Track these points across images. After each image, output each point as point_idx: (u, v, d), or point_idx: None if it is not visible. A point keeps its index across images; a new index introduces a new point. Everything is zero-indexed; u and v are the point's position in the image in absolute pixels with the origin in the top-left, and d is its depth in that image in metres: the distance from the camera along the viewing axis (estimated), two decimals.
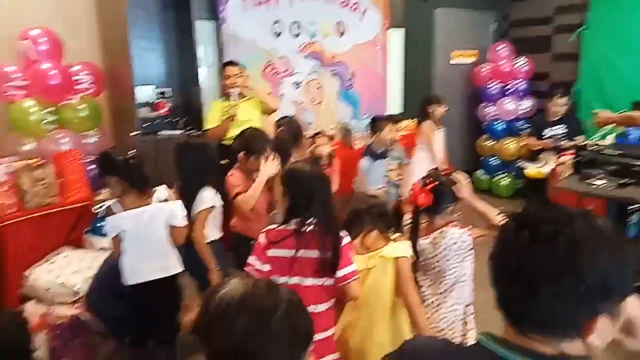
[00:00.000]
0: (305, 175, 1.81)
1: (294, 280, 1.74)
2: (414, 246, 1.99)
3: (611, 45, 5.09)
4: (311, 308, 1.72)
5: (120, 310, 2.36)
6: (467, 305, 2.05)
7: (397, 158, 3.79)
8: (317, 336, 1.76)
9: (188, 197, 2.40)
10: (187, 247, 2.43)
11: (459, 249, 1.93)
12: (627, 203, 3.26)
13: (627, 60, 4.84)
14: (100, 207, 2.45)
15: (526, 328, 0.81)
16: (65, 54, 3.52)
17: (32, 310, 2.52)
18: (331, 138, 3.92)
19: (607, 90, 5.07)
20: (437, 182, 1.98)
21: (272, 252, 1.76)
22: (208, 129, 3.66)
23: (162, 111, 4.11)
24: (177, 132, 4.00)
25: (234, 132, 3.20)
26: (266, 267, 1.76)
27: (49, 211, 2.87)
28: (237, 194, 2.44)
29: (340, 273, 1.74)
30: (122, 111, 3.92)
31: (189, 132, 3.98)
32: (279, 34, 4.74)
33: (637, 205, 3.11)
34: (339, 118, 5.14)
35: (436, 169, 2.46)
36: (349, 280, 1.75)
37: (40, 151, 3.18)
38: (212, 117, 3.68)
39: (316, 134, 3.85)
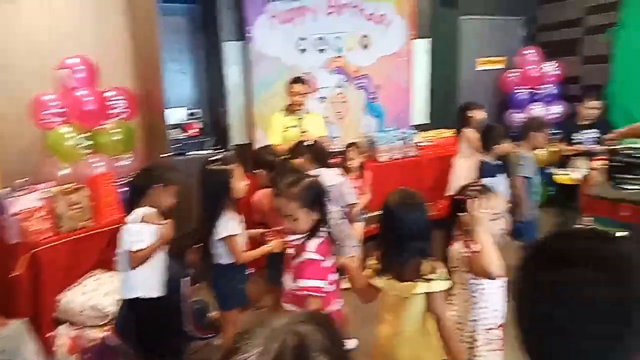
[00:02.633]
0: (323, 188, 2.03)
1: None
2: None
3: None
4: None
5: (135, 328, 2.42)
6: (489, 329, 1.97)
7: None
8: None
9: (208, 221, 2.44)
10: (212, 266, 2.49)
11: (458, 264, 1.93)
12: None
13: None
14: None
15: None
16: (100, 79, 3.67)
17: (64, 334, 2.66)
18: (362, 151, 3.97)
19: None
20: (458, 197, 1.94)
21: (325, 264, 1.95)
22: (273, 145, 3.72)
23: (191, 132, 4.25)
24: (205, 152, 4.13)
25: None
26: (332, 287, 1.98)
27: (82, 234, 2.99)
28: None
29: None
30: (154, 133, 4.06)
31: (215, 152, 4.11)
32: (304, 51, 4.82)
33: None
34: (363, 131, 5.17)
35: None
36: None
37: (76, 175, 3.32)
38: (273, 131, 3.81)
39: (349, 145, 3.90)
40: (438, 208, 4.70)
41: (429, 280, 1.72)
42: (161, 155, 3.74)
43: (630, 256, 0.70)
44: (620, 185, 3.33)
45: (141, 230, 2.32)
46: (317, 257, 1.90)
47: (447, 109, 5.71)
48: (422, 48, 5.46)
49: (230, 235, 2.40)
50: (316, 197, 1.97)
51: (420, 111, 5.58)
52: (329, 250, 1.96)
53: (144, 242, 2.30)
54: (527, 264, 0.78)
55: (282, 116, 3.87)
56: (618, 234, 2.90)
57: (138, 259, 2.31)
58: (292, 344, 0.69)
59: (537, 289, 0.74)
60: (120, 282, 2.42)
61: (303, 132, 3.68)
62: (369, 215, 3.95)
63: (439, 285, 1.74)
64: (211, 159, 2.51)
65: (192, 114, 4.49)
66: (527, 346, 0.78)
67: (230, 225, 2.40)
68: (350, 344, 2.84)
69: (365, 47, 5.11)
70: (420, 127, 5.36)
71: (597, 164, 4.17)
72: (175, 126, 4.36)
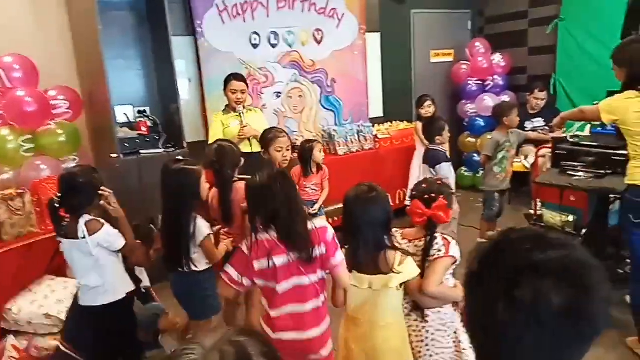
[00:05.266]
0: (273, 189, 1.78)
1: (292, 282, 1.76)
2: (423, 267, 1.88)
3: (586, 36, 5.13)
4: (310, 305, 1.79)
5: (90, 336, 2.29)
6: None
7: None
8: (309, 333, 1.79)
9: (176, 224, 2.31)
10: (179, 276, 2.40)
11: None
12: (608, 193, 3.27)
13: (602, 49, 4.78)
14: None
15: None
16: (40, 79, 3.48)
17: (13, 345, 2.50)
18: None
19: (584, 81, 5.11)
20: (439, 195, 1.89)
21: (260, 264, 1.76)
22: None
23: (142, 130, 4.09)
24: (159, 150, 3.99)
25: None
26: (247, 282, 1.78)
27: (28, 241, 2.82)
28: None
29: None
30: (101, 133, 3.88)
31: (168, 150, 3.98)
32: (256, 45, 4.74)
33: (617, 195, 3.12)
34: (321, 125, 5.16)
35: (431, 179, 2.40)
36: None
37: (19, 179, 3.14)
38: (214, 131, 3.70)
39: (312, 141, 3.84)
40: (398, 198, 4.79)
41: (399, 272, 1.75)
42: (111, 155, 3.58)
43: (587, 262, 0.71)
44: (567, 172, 3.45)
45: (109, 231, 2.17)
46: (244, 249, 1.79)
47: (402, 102, 5.79)
48: (373, 42, 5.49)
49: (205, 238, 2.32)
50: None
51: (376, 104, 5.61)
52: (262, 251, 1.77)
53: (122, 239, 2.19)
54: (481, 268, 0.77)
55: (222, 114, 3.78)
56: (564, 219, 2.96)
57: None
58: (233, 351, 0.71)
59: (494, 294, 0.72)
60: (83, 290, 2.24)
61: (244, 126, 3.60)
62: (329, 209, 3.96)
63: (410, 274, 1.78)
64: (176, 158, 2.38)
65: (141, 112, 4.31)
66: (476, 344, 0.80)
67: (203, 228, 2.32)
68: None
69: (319, 41, 5.09)
70: (376, 120, 5.39)
71: (544, 151, 4.34)
72: (125, 124, 4.18)
